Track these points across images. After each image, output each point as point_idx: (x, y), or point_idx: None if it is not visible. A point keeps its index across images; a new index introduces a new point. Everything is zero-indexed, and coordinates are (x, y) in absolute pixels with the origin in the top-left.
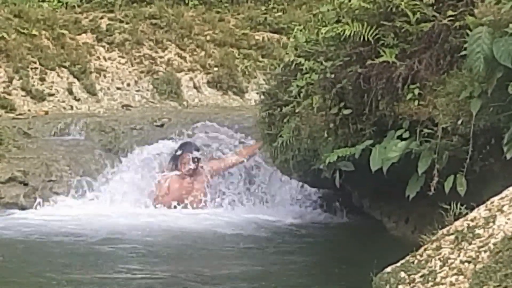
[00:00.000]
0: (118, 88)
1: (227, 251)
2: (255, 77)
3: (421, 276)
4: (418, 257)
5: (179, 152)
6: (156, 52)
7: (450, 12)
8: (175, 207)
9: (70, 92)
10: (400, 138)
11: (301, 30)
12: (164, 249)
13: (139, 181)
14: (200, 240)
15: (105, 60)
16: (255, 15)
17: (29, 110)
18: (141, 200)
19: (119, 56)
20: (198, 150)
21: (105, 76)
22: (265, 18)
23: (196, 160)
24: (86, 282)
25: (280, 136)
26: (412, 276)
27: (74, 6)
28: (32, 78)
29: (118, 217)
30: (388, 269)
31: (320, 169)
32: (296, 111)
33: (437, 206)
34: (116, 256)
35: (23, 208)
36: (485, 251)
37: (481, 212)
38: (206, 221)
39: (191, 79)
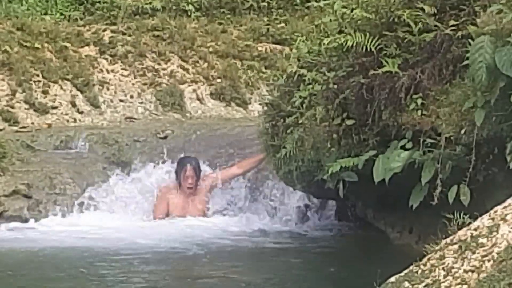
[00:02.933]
0: (121, 101)
1: (227, 262)
2: (258, 88)
3: (425, 286)
4: (422, 266)
5: (180, 165)
6: (159, 64)
7: (452, 22)
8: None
9: (73, 104)
10: (403, 148)
11: (303, 41)
12: (165, 261)
13: (142, 196)
14: (201, 251)
15: (108, 72)
16: (258, 26)
17: (32, 123)
18: (144, 213)
19: (122, 69)
20: (198, 163)
21: (108, 89)
22: (268, 29)
23: (196, 171)
24: None
25: (284, 147)
26: (416, 286)
27: (76, 19)
28: (35, 91)
29: (120, 231)
30: (392, 279)
31: (323, 180)
32: (299, 122)
33: (441, 216)
34: (117, 270)
35: (26, 221)
36: (488, 260)
37: (484, 221)
38: (207, 231)
39: (194, 90)
